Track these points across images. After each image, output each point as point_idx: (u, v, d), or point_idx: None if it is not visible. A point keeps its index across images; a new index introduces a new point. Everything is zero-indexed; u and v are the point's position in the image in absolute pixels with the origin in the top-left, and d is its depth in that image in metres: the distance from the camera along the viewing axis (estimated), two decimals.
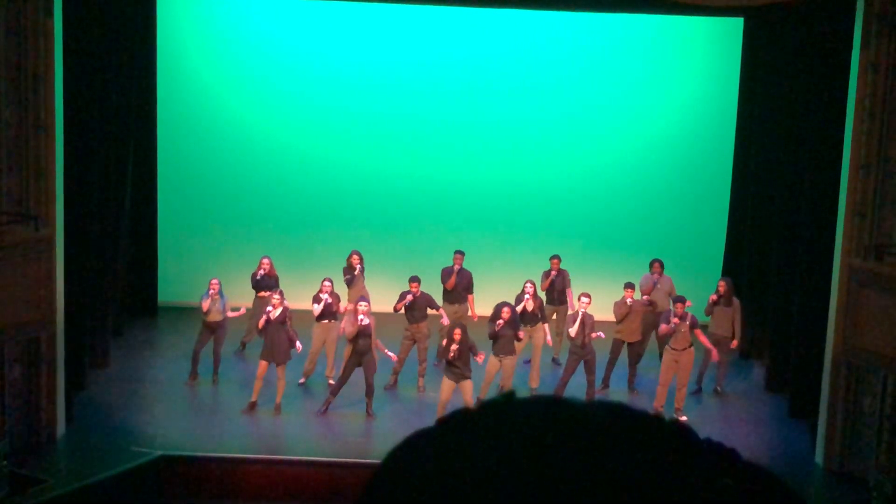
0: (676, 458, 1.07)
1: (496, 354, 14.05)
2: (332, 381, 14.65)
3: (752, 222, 16.60)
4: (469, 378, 13.65)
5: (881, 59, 12.56)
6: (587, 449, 1.06)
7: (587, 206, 17.87)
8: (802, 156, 14.80)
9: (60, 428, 13.38)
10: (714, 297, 15.27)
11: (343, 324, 14.37)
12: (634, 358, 15.24)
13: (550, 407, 1.12)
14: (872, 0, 12.55)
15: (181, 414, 14.27)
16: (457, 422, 1.14)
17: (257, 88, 17.69)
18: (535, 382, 15.12)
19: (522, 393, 14.73)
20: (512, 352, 14.08)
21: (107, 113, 15.06)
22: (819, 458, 13.57)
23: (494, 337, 13.96)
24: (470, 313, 15.65)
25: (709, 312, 15.31)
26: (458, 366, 13.57)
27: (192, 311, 17.20)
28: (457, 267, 15.75)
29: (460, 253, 15.85)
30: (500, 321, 13.89)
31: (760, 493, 1.09)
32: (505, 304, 14.12)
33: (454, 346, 13.45)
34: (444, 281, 15.63)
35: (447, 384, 13.69)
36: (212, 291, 14.77)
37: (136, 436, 13.41)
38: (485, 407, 1.16)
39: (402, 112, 17.68)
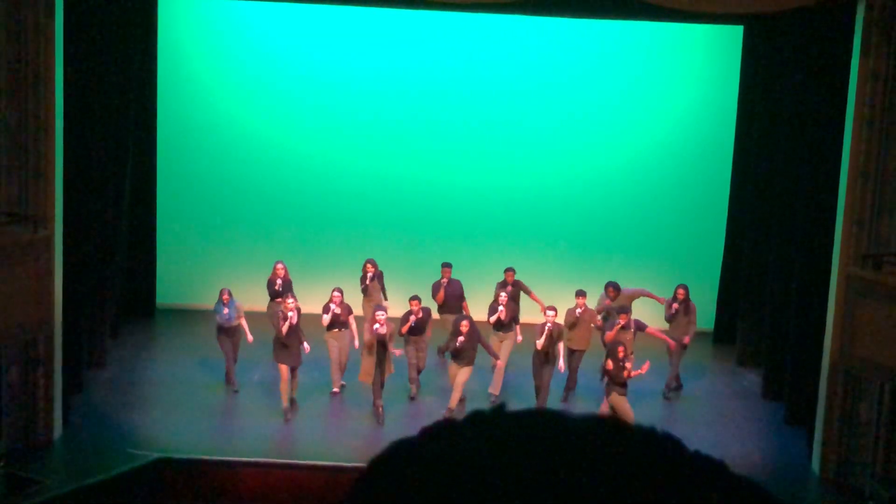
0: (666, 472, 1.07)
1: (458, 364, 14.20)
2: (339, 386, 14.68)
3: (751, 229, 16.60)
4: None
5: (881, 67, 12.57)
6: (577, 463, 1.06)
7: (586, 211, 17.84)
8: (801, 164, 14.80)
9: (57, 429, 13.37)
10: (675, 304, 15.32)
11: (364, 330, 14.35)
12: (577, 364, 15.04)
13: (540, 420, 1.11)
14: (872, 9, 12.57)
15: (178, 416, 14.23)
16: (442, 433, 1.12)
17: (257, 91, 17.67)
18: (496, 389, 14.77)
19: (481, 398, 14.89)
20: (472, 361, 14.22)
21: (107, 114, 15.05)
22: (815, 466, 13.57)
23: (457, 352, 14.08)
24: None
25: (670, 319, 15.35)
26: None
27: (191, 314, 17.22)
28: (444, 281, 15.70)
29: (448, 266, 15.79)
30: (461, 338, 14.02)
31: None
32: (464, 317, 14.28)
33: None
34: (433, 296, 15.57)
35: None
36: (225, 306, 14.57)
37: (133, 438, 13.40)
38: (473, 419, 1.14)
39: (403, 116, 17.65)
